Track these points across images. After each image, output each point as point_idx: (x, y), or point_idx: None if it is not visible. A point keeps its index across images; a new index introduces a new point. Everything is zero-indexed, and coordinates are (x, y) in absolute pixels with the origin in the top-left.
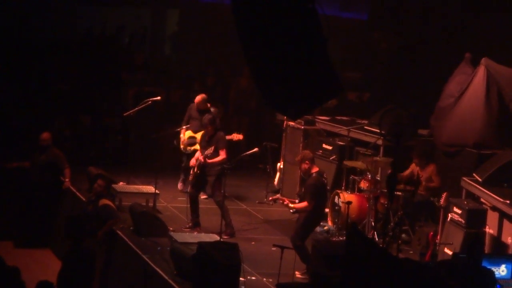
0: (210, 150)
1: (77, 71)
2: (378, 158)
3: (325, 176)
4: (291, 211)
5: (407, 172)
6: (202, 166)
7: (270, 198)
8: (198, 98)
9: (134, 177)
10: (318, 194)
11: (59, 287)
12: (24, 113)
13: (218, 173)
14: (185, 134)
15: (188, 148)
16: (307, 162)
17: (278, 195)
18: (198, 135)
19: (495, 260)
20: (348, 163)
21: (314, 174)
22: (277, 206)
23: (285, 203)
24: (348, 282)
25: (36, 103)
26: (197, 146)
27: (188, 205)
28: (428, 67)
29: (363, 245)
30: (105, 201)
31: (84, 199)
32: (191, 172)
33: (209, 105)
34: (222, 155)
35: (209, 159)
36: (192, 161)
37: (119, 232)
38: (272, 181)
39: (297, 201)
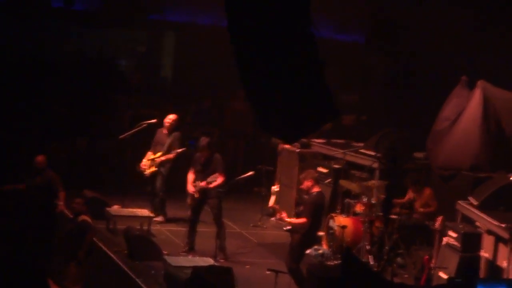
0: (213, 178)
1: (73, 93)
2: (373, 182)
3: (325, 199)
4: (285, 228)
5: (405, 198)
6: (203, 190)
7: (270, 205)
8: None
9: (129, 200)
10: (315, 212)
11: None
12: (19, 135)
13: (219, 194)
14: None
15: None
16: (311, 180)
17: (277, 206)
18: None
19: (491, 284)
20: (344, 183)
21: (315, 193)
22: (272, 229)
23: (282, 215)
24: None
25: (31, 126)
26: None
27: (187, 229)
28: (425, 90)
29: (358, 269)
30: (82, 217)
31: None
32: (189, 197)
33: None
34: (221, 178)
35: (210, 183)
36: (190, 188)
37: (113, 256)
38: (266, 205)
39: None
